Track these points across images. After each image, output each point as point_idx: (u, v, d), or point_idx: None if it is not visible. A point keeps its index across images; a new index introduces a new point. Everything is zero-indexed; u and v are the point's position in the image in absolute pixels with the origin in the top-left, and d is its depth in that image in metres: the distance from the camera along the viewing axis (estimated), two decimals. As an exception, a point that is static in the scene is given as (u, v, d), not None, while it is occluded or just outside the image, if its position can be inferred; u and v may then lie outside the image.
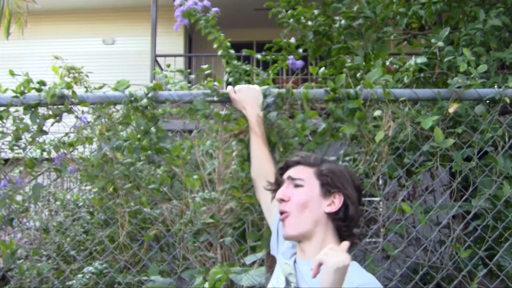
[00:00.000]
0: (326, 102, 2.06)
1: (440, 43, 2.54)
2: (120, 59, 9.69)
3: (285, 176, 1.44)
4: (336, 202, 1.39)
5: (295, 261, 1.43)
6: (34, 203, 2.18)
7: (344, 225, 1.40)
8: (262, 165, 1.79)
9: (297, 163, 1.45)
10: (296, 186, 1.41)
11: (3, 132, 1.98)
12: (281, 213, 1.41)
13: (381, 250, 2.42)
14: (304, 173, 1.42)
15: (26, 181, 2.11)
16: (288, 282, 1.37)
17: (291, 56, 2.70)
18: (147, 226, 2.73)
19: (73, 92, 1.98)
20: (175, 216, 2.41)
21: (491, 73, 2.79)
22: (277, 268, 1.50)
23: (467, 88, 2.08)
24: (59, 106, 2.00)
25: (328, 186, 1.40)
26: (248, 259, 2.31)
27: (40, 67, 5.08)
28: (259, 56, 2.75)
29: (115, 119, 2.06)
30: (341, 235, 1.40)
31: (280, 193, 1.42)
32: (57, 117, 2.01)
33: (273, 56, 2.74)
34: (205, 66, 2.51)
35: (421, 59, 2.38)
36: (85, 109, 2.05)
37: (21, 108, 2.00)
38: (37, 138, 2.01)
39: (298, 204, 1.38)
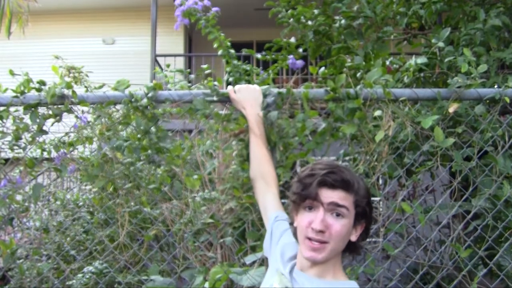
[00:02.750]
0: (326, 101, 2.05)
1: (440, 43, 2.54)
2: (120, 59, 9.69)
3: (326, 199, 1.30)
4: (358, 231, 1.36)
5: (291, 271, 1.40)
6: (34, 203, 2.18)
7: (355, 246, 1.39)
8: (261, 165, 1.79)
9: (340, 185, 1.31)
10: (338, 215, 1.30)
11: (3, 132, 1.98)
12: (317, 241, 1.30)
13: (381, 250, 2.42)
14: (346, 202, 1.30)
15: (26, 180, 2.11)
16: None
17: (291, 56, 2.70)
18: (147, 226, 2.73)
19: (73, 92, 1.98)
20: (175, 216, 2.41)
21: (491, 73, 2.79)
22: (270, 273, 1.47)
23: (467, 88, 2.08)
24: (59, 106, 2.00)
25: (360, 217, 1.34)
26: (248, 259, 2.31)
27: (40, 67, 5.08)
28: (259, 56, 2.75)
29: (115, 119, 2.06)
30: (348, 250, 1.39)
31: (320, 225, 1.28)
32: (57, 116, 2.01)
33: (273, 56, 2.75)
34: (205, 66, 2.51)
35: (421, 59, 2.38)
36: (85, 109, 2.05)
37: (21, 108, 2.00)
38: (37, 138, 2.01)
39: (338, 237, 1.30)
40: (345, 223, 1.30)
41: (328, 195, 1.29)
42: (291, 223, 1.45)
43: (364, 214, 1.34)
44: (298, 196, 1.33)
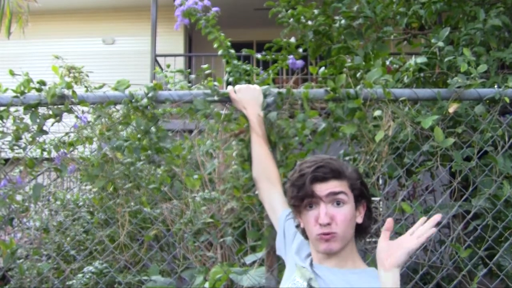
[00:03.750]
0: (326, 101, 2.05)
1: (440, 43, 2.54)
2: (120, 59, 9.69)
3: (323, 192, 1.33)
4: (362, 211, 1.39)
5: (311, 264, 1.42)
6: (34, 203, 2.18)
7: (363, 228, 1.41)
8: (264, 165, 1.79)
9: (330, 176, 1.34)
10: (338, 203, 1.33)
11: (3, 132, 1.98)
12: (326, 233, 1.32)
13: (381, 250, 2.41)
14: (342, 188, 1.34)
15: (26, 181, 2.11)
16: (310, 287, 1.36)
17: (291, 56, 2.70)
18: (147, 226, 2.73)
19: (73, 92, 1.98)
20: (175, 216, 2.41)
21: (491, 73, 2.79)
22: (290, 269, 1.48)
23: (467, 88, 2.08)
24: (59, 106, 2.00)
25: (360, 198, 1.38)
26: (248, 259, 2.31)
27: (40, 67, 5.09)
28: (259, 56, 2.75)
29: (115, 119, 2.06)
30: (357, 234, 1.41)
31: (325, 218, 1.31)
32: (57, 117, 2.01)
33: (273, 56, 2.75)
34: (205, 66, 2.51)
35: (421, 59, 2.38)
36: (85, 109, 2.05)
37: (21, 108, 2.00)
38: (37, 138, 2.01)
39: (344, 224, 1.33)
40: (347, 208, 1.34)
41: (323, 188, 1.33)
42: (297, 226, 1.48)
43: (362, 194, 1.38)
44: (296, 199, 1.36)
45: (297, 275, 1.41)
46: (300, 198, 1.34)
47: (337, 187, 1.33)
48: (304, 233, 1.43)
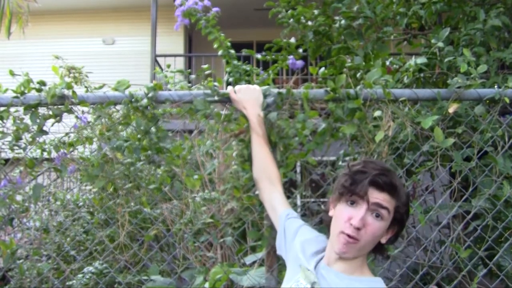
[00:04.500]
0: (326, 102, 2.06)
1: (440, 43, 2.54)
2: (120, 59, 9.69)
3: (373, 199, 1.31)
4: (389, 234, 1.38)
5: (316, 266, 1.41)
6: (34, 203, 2.18)
7: (382, 248, 1.41)
8: (264, 165, 1.79)
9: (388, 189, 1.32)
10: (377, 216, 1.31)
11: (3, 132, 1.98)
12: (351, 236, 1.31)
13: (381, 250, 2.41)
14: (389, 206, 1.32)
15: (26, 181, 2.11)
16: None
17: (291, 56, 2.70)
18: (147, 226, 2.73)
19: (73, 92, 1.98)
20: (175, 216, 2.41)
21: (491, 73, 2.79)
22: (293, 269, 1.48)
23: (467, 88, 2.08)
24: (59, 106, 2.00)
25: (396, 223, 1.37)
26: (248, 259, 2.31)
27: (40, 67, 5.09)
28: (259, 56, 2.75)
29: (115, 119, 2.06)
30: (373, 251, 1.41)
31: (359, 222, 1.30)
32: (57, 117, 2.01)
33: (273, 56, 2.75)
34: (205, 66, 2.51)
35: (421, 59, 2.38)
36: (85, 109, 2.05)
37: (21, 108, 2.00)
38: (37, 138, 2.01)
39: (371, 237, 1.32)
40: (382, 225, 1.33)
41: (375, 196, 1.31)
42: (326, 211, 1.45)
43: (401, 221, 1.37)
44: (346, 189, 1.34)
45: (301, 276, 1.41)
46: (350, 191, 1.33)
47: (386, 202, 1.31)
48: (327, 222, 1.41)
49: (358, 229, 1.30)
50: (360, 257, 1.36)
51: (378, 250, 1.40)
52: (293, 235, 1.57)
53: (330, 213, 1.40)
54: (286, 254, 1.58)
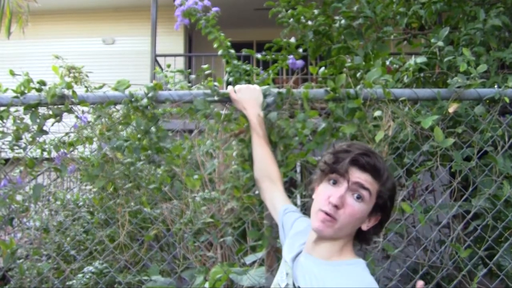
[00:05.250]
0: (326, 101, 2.06)
1: (440, 43, 2.54)
2: (120, 59, 9.70)
3: (353, 178, 1.28)
4: (371, 222, 1.34)
5: (297, 255, 1.40)
6: (34, 203, 2.18)
7: (366, 237, 1.37)
8: (265, 165, 1.80)
9: (370, 169, 1.29)
10: (358, 197, 1.28)
11: (3, 132, 1.98)
12: (328, 214, 1.28)
13: (381, 250, 2.42)
14: (370, 188, 1.29)
15: (26, 181, 2.11)
16: (287, 282, 1.37)
17: (291, 56, 2.70)
18: (147, 226, 2.73)
19: (73, 92, 1.99)
20: (175, 216, 2.41)
21: (491, 73, 2.79)
22: (283, 265, 1.48)
23: (467, 88, 2.08)
24: (59, 106, 2.00)
25: (378, 208, 1.32)
26: (248, 259, 2.31)
27: (40, 67, 5.09)
28: (259, 56, 2.75)
29: (115, 119, 2.06)
30: (358, 238, 1.38)
31: (338, 200, 1.27)
32: (57, 117, 2.01)
33: (273, 56, 2.75)
34: (205, 66, 2.51)
35: (421, 59, 2.38)
36: (85, 109, 2.06)
37: (21, 108, 2.00)
38: (38, 138, 2.01)
39: (350, 218, 1.28)
40: (362, 208, 1.29)
41: (356, 175, 1.28)
42: (310, 196, 1.43)
43: (383, 207, 1.32)
44: (328, 167, 1.32)
45: (284, 269, 1.41)
46: (332, 169, 1.31)
47: (367, 183, 1.28)
48: (310, 207, 1.38)
49: (336, 207, 1.27)
50: (339, 240, 1.32)
51: (361, 238, 1.37)
52: (290, 228, 1.57)
53: (314, 196, 1.38)
54: (283, 248, 1.58)
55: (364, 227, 1.34)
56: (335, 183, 1.31)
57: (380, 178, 1.30)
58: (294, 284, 1.34)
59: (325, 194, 1.31)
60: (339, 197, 1.28)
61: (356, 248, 1.42)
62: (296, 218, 1.59)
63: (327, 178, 1.33)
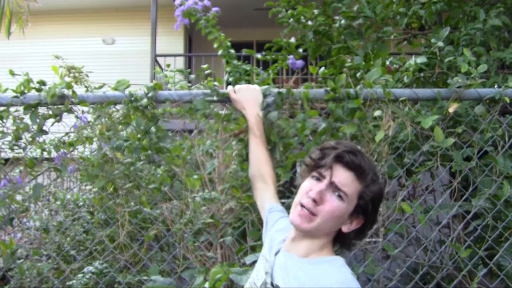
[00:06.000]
0: (326, 101, 2.06)
1: (440, 43, 2.54)
2: (120, 59, 9.70)
3: (335, 176, 1.27)
4: (353, 225, 1.32)
5: (276, 253, 1.39)
6: (34, 203, 2.18)
7: (347, 240, 1.35)
8: (259, 165, 1.80)
9: (354, 168, 1.27)
10: (339, 196, 1.26)
11: (3, 132, 1.99)
12: (307, 209, 1.27)
13: (381, 250, 2.41)
14: (352, 188, 1.27)
15: (26, 181, 2.11)
16: (265, 280, 1.35)
17: (291, 56, 2.70)
18: (147, 226, 2.73)
19: (73, 92, 1.99)
20: (175, 216, 2.41)
21: (491, 73, 2.79)
22: (260, 261, 1.46)
23: (467, 88, 2.08)
24: (59, 106, 2.00)
25: (360, 210, 1.29)
26: (248, 259, 2.30)
27: (40, 67, 5.09)
28: (259, 56, 2.75)
29: (115, 119, 2.06)
30: (338, 241, 1.36)
31: (316, 194, 1.26)
32: (57, 117, 2.01)
33: (273, 56, 2.75)
34: (205, 66, 2.51)
35: (421, 59, 2.38)
36: (85, 108, 2.05)
37: (21, 108, 2.00)
38: (37, 138, 2.01)
39: (328, 216, 1.26)
40: (342, 206, 1.26)
41: (338, 173, 1.27)
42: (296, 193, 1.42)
43: (365, 209, 1.29)
44: (312, 161, 1.32)
45: (262, 267, 1.39)
46: (316, 164, 1.30)
47: (350, 181, 1.26)
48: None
49: (314, 201, 1.26)
50: (318, 239, 1.31)
51: (342, 241, 1.34)
52: (272, 226, 1.56)
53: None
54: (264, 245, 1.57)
55: (345, 228, 1.31)
56: (318, 179, 1.30)
57: (363, 179, 1.28)
58: (272, 283, 1.33)
59: (306, 187, 1.30)
60: (318, 191, 1.26)
61: (336, 251, 1.40)
62: (280, 217, 1.58)
63: (311, 174, 1.32)
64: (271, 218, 1.60)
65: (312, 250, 1.32)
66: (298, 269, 1.29)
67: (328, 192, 1.27)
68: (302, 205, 1.28)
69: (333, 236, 1.34)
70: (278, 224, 1.55)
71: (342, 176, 1.27)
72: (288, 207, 1.47)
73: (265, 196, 1.72)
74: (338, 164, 1.28)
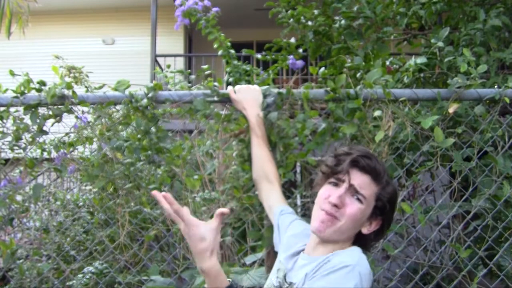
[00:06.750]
0: (326, 102, 2.06)
1: (440, 43, 2.54)
2: (120, 59, 9.70)
3: (353, 180, 1.30)
4: (373, 226, 1.35)
5: (293, 255, 1.41)
6: (34, 203, 2.18)
7: (367, 241, 1.38)
8: (263, 165, 1.80)
9: (370, 172, 1.31)
10: (358, 199, 1.30)
11: (3, 132, 1.99)
12: (329, 214, 1.30)
13: (381, 250, 2.42)
14: (369, 191, 1.31)
15: (26, 181, 2.11)
16: (282, 283, 1.37)
17: (291, 56, 2.70)
18: (147, 226, 2.73)
19: (73, 92, 1.99)
20: (175, 216, 2.40)
21: (491, 73, 2.79)
22: (277, 263, 1.48)
23: (467, 88, 2.08)
24: (59, 106, 2.00)
25: (378, 212, 1.33)
26: (248, 259, 2.31)
27: (40, 67, 5.09)
28: (259, 56, 2.75)
29: (115, 119, 2.06)
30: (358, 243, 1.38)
31: (337, 199, 1.29)
32: (57, 117, 2.01)
33: (273, 56, 2.75)
34: (205, 66, 2.51)
35: (421, 59, 2.38)
36: (85, 109, 2.05)
37: (21, 108, 2.00)
38: (37, 138, 2.01)
39: (350, 219, 1.29)
40: (362, 208, 1.30)
41: (356, 176, 1.30)
42: (313, 201, 1.43)
43: (382, 210, 1.33)
44: (329, 168, 1.34)
45: (278, 272, 1.41)
46: (333, 171, 1.33)
47: (367, 185, 1.30)
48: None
49: (336, 206, 1.29)
50: (339, 243, 1.33)
51: (362, 243, 1.37)
52: (285, 230, 1.57)
53: (316, 200, 1.38)
54: (279, 249, 1.58)
55: (365, 230, 1.34)
56: (335, 184, 1.33)
57: (379, 181, 1.32)
58: (285, 279, 1.35)
59: (326, 194, 1.33)
60: (338, 196, 1.29)
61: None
62: (292, 220, 1.59)
63: (328, 181, 1.35)
64: (282, 221, 1.60)
65: (334, 250, 1.33)
66: (315, 265, 1.30)
67: (347, 196, 1.30)
68: (323, 211, 1.31)
69: (353, 240, 1.36)
70: (292, 228, 1.55)
71: (360, 179, 1.30)
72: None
73: (272, 197, 1.72)
74: (354, 168, 1.31)
